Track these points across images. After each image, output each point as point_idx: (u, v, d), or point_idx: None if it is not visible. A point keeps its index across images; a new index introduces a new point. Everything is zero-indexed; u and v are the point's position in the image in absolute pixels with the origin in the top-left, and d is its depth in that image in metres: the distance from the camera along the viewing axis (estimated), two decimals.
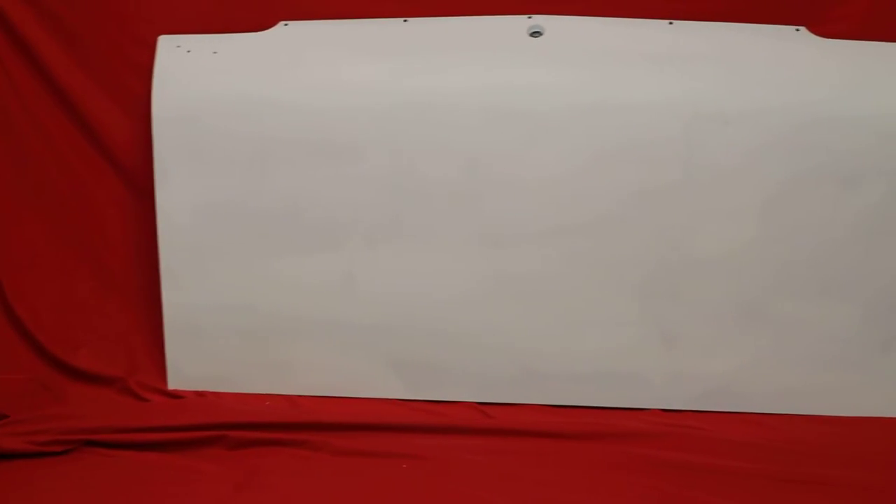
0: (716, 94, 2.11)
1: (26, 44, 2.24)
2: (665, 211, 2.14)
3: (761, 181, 2.12)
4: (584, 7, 2.18)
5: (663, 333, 2.19)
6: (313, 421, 2.10)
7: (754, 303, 2.17)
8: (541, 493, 1.89)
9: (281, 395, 2.26)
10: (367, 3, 2.21)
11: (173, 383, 2.28)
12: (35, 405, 2.16)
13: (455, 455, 2.01)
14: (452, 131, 2.14)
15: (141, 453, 2.02)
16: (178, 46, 2.20)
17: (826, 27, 2.18)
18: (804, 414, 2.18)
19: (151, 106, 2.16)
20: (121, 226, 2.32)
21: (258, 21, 2.21)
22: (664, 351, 2.19)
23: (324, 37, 2.19)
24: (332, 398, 2.25)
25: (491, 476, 1.94)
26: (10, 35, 2.23)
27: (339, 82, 2.16)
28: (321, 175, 2.16)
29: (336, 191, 2.17)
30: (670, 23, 2.17)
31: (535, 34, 2.17)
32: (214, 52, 2.19)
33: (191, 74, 2.18)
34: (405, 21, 2.19)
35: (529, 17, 2.17)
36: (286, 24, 2.21)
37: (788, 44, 2.15)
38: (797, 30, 2.16)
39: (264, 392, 2.26)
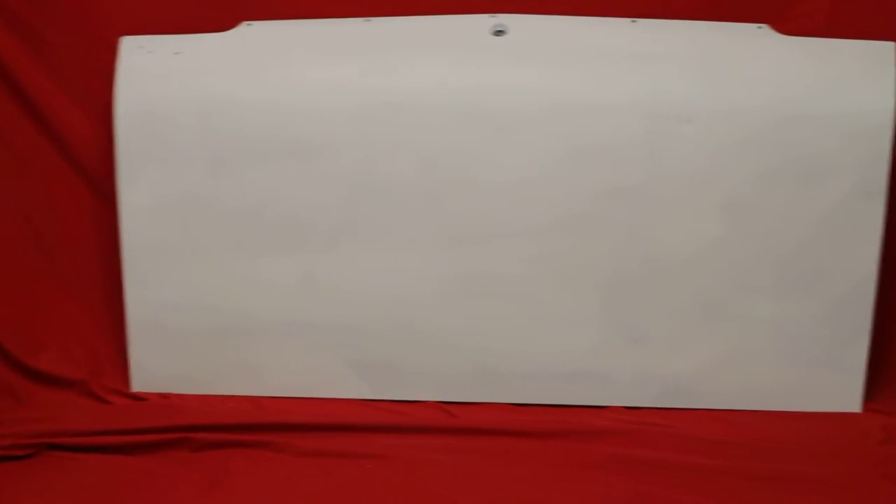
0: (679, 94, 2.11)
1: None
2: (629, 211, 2.14)
3: (726, 180, 2.12)
4: (547, 6, 2.18)
5: (628, 332, 2.19)
6: (277, 422, 2.09)
7: (719, 301, 2.17)
8: (506, 492, 1.89)
9: (244, 397, 2.25)
10: (329, 4, 2.20)
11: (137, 385, 2.26)
12: None
13: (420, 454, 2.00)
14: (414, 131, 2.13)
15: (104, 456, 2.00)
16: (141, 47, 2.18)
17: (789, 24, 2.18)
18: (769, 410, 2.19)
19: (114, 107, 2.15)
20: (82, 227, 2.31)
21: (221, 22, 2.20)
22: (629, 349, 2.19)
23: (286, 37, 2.19)
24: (296, 399, 2.24)
25: (456, 475, 1.94)
26: None
27: (301, 82, 2.15)
28: (285, 174, 2.15)
29: (300, 190, 2.16)
30: (633, 21, 2.17)
31: (499, 33, 2.16)
32: (177, 53, 2.17)
33: (154, 75, 2.16)
34: (367, 21, 2.19)
35: (493, 16, 2.17)
36: (249, 25, 2.20)
37: (752, 41, 2.14)
38: (759, 27, 2.16)
39: (228, 393, 2.25)
